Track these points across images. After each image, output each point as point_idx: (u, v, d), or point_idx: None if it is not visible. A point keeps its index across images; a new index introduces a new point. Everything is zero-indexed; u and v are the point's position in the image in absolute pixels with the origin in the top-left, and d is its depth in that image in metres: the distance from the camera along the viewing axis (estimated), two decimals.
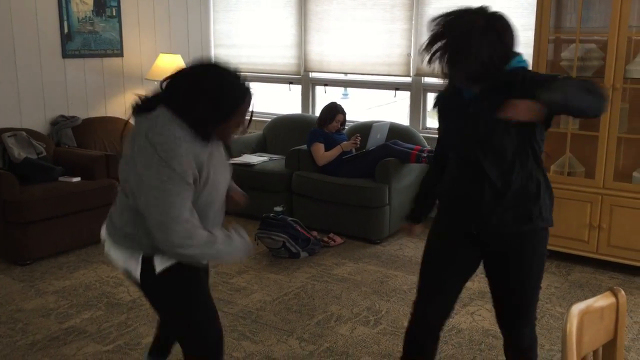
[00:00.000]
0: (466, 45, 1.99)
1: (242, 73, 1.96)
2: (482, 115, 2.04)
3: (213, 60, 2.04)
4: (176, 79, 1.96)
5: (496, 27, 2.03)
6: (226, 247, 2.00)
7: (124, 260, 2.09)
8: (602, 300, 1.53)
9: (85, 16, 5.20)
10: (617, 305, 1.55)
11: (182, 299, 2.10)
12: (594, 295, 1.67)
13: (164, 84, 1.98)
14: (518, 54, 2.07)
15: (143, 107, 2.00)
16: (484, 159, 2.07)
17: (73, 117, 5.08)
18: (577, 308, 1.44)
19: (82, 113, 5.23)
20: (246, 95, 1.94)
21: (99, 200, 4.47)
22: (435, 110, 2.30)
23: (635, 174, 4.04)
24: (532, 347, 2.29)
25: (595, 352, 1.54)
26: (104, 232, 2.20)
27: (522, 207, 2.08)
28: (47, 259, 4.23)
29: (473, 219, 2.15)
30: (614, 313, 1.55)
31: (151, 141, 1.87)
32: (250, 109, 1.99)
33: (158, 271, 2.03)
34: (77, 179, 4.51)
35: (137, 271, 2.04)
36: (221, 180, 2.06)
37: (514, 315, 2.23)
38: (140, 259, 2.03)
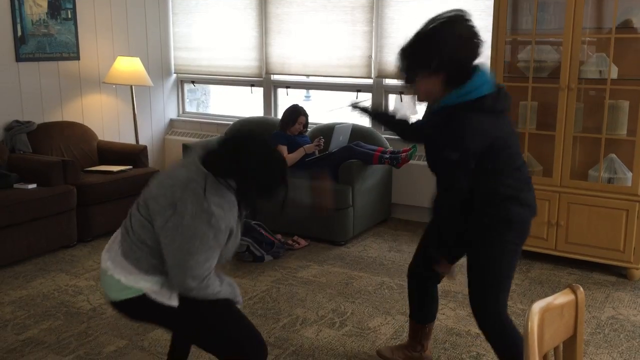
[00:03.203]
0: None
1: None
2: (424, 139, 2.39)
3: (267, 139, 2.25)
4: (242, 155, 2.08)
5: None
6: (224, 291, 2.19)
7: (149, 289, 2.13)
8: (561, 298, 1.55)
9: (40, 19, 5.06)
10: (576, 301, 1.58)
11: (216, 316, 2.19)
12: (553, 291, 1.70)
13: (228, 151, 2.11)
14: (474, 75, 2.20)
15: (211, 166, 2.09)
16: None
17: (28, 122, 4.94)
18: (538, 306, 1.46)
19: (37, 118, 5.09)
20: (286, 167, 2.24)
21: (55, 207, 4.36)
22: None
23: (590, 172, 4.15)
24: (498, 339, 2.38)
25: (556, 349, 1.57)
26: (108, 261, 2.22)
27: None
28: (2, 269, 4.10)
29: None
30: (573, 310, 1.58)
31: (208, 199, 2.00)
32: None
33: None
34: (32, 186, 4.39)
35: (171, 301, 2.13)
36: (236, 241, 2.22)
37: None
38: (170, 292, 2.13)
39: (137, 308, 2.15)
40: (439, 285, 3.49)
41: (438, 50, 2.13)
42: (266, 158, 2.10)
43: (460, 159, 2.17)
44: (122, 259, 2.14)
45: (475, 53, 2.18)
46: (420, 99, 2.28)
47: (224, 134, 1.98)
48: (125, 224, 2.21)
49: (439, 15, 2.19)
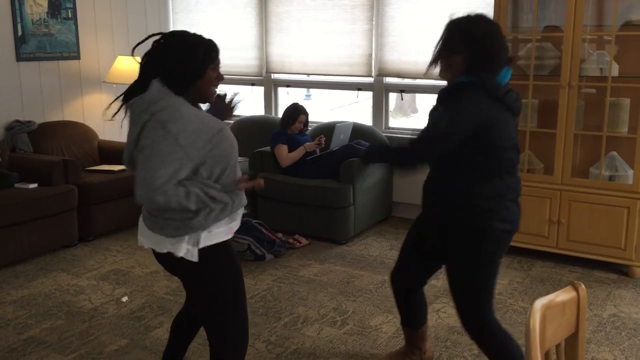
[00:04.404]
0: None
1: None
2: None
3: (177, 29, 2.20)
4: (151, 52, 2.08)
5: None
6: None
7: (153, 242, 2.12)
8: (563, 295, 1.55)
9: (40, 18, 5.06)
10: (578, 299, 1.58)
11: (227, 276, 2.16)
12: (555, 289, 1.70)
13: (142, 60, 2.11)
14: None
15: (135, 90, 2.08)
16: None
17: (29, 121, 4.94)
18: (540, 303, 1.46)
19: (38, 117, 5.09)
20: (214, 48, 2.10)
21: (56, 206, 4.36)
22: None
23: (591, 169, 4.14)
24: (489, 347, 2.40)
25: (557, 346, 1.57)
26: (141, 237, 2.23)
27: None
28: (4, 268, 4.10)
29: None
30: (575, 307, 1.58)
31: (154, 115, 1.96)
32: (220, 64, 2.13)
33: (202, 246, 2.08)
34: (33, 185, 4.39)
35: (191, 251, 2.08)
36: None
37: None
38: (184, 239, 2.06)
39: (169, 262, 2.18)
40: (439, 285, 3.49)
41: (471, 31, 2.28)
42: (184, 46, 2.07)
43: (447, 129, 2.24)
44: (150, 233, 2.15)
45: (501, 46, 2.29)
46: (442, 75, 2.37)
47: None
48: None
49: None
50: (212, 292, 2.17)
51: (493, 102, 2.25)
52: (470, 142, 2.25)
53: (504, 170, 2.33)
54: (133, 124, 2.06)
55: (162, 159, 1.94)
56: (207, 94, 2.12)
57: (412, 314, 2.77)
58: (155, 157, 1.94)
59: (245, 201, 2.17)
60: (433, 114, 2.39)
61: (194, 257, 2.09)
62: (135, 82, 2.11)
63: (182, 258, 2.09)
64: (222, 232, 2.14)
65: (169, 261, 2.16)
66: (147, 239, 2.17)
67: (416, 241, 2.63)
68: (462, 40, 2.26)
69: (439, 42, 2.33)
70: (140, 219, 2.22)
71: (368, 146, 2.63)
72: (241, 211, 2.19)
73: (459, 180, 2.33)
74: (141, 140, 2.00)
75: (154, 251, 2.19)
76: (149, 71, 2.08)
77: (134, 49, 2.19)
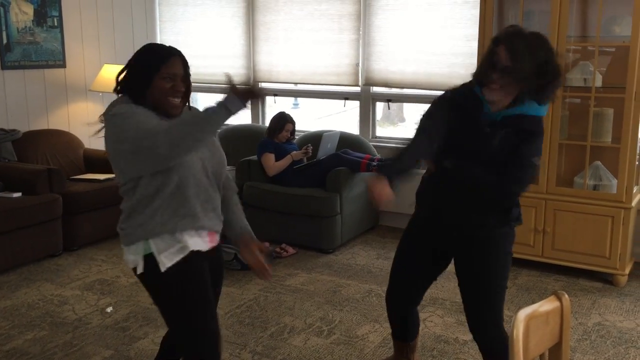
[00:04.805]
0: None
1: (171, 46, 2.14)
2: (495, 141, 2.22)
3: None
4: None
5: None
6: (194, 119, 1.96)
7: (133, 260, 2.08)
8: (547, 305, 1.56)
9: (25, 26, 5.03)
10: (561, 309, 1.59)
11: (179, 296, 2.09)
12: (540, 298, 1.71)
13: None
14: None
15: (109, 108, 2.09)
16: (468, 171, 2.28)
17: (13, 130, 4.90)
18: (524, 313, 1.47)
19: (23, 126, 5.05)
20: (168, 57, 2.05)
21: (41, 215, 4.32)
22: (440, 104, 2.32)
23: (576, 179, 4.18)
24: (498, 350, 2.37)
25: (541, 356, 1.57)
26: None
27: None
28: None
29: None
30: (558, 317, 1.59)
31: (108, 118, 2.00)
32: (182, 73, 2.10)
33: (164, 269, 2.03)
34: (17, 195, 4.34)
35: (141, 267, 2.05)
36: (194, 159, 2.05)
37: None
38: (139, 248, 2.04)
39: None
40: (426, 294, 3.49)
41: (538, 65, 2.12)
42: (148, 46, 2.15)
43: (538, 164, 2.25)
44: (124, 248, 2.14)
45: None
46: (496, 92, 2.16)
47: None
48: None
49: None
50: (167, 305, 2.13)
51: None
52: None
53: None
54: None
55: (137, 126, 1.91)
56: (162, 104, 2.04)
57: (406, 329, 2.73)
58: (134, 132, 1.91)
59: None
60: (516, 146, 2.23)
61: (140, 267, 2.06)
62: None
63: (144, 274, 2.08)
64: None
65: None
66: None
67: (414, 254, 2.54)
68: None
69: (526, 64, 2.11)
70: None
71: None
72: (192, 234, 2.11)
73: (499, 190, 2.27)
74: (110, 144, 2.01)
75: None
76: (117, 84, 2.13)
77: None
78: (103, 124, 2.06)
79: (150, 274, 2.06)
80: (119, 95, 2.10)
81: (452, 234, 2.39)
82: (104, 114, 2.06)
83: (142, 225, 2.03)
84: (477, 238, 2.35)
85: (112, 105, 2.07)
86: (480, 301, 2.40)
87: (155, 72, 2.02)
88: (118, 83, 2.12)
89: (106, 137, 2.03)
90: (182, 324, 2.12)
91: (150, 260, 2.04)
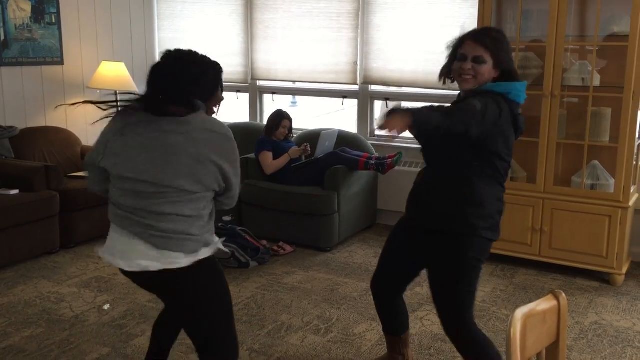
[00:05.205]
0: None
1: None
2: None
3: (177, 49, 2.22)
4: (164, 77, 2.09)
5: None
6: None
7: (165, 261, 2.07)
8: (544, 304, 1.56)
9: (23, 23, 5.02)
10: (558, 308, 1.59)
11: (216, 291, 2.18)
12: (537, 297, 1.71)
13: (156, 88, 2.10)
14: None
15: (160, 110, 2.08)
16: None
17: (10, 127, 4.89)
18: (521, 312, 1.47)
19: (20, 123, 5.04)
20: (221, 70, 2.25)
21: (38, 213, 4.32)
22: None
23: (574, 178, 4.18)
24: (467, 350, 2.41)
25: (539, 355, 1.57)
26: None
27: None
28: None
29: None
30: (555, 316, 1.59)
31: (220, 132, 2.09)
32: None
33: (201, 258, 2.11)
34: (15, 192, 4.33)
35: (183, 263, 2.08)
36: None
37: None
38: (199, 253, 2.10)
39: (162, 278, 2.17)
40: (423, 292, 3.50)
41: (509, 50, 2.39)
42: (204, 59, 2.22)
43: (482, 110, 2.19)
44: (159, 252, 2.10)
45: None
46: (470, 81, 2.33)
47: None
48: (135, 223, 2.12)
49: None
50: (205, 307, 2.16)
51: (510, 115, 2.31)
52: (476, 145, 2.27)
53: (497, 181, 2.37)
54: (160, 138, 2.05)
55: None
56: (211, 112, 2.23)
57: (394, 321, 2.77)
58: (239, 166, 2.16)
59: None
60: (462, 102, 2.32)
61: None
62: (149, 98, 2.11)
63: (179, 275, 2.07)
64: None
65: (160, 280, 2.11)
66: (156, 260, 2.07)
67: (397, 247, 2.64)
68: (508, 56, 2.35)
69: (494, 43, 2.34)
70: (129, 241, 2.10)
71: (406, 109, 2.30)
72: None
73: (454, 187, 2.35)
74: (216, 158, 2.06)
75: (134, 273, 2.13)
76: (162, 91, 2.09)
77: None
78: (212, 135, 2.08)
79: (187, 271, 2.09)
80: (188, 105, 2.09)
81: (417, 229, 2.49)
82: (211, 129, 2.09)
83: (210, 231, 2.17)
84: (442, 240, 2.39)
85: (209, 120, 2.12)
86: (443, 305, 2.43)
87: (219, 83, 2.23)
88: (188, 93, 2.10)
89: (210, 149, 2.05)
90: (222, 321, 2.20)
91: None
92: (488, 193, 2.34)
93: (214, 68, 2.20)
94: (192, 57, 2.16)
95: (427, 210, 2.44)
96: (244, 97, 5.95)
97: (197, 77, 2.11)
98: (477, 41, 2.32)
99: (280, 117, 4.88)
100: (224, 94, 2.31)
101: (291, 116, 4.98)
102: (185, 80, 2.09)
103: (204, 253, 2.13)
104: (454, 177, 2.36)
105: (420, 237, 2.48)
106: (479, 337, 2.40)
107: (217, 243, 2.20)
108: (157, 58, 6.13)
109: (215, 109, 2.25)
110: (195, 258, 2.09)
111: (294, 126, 5.06)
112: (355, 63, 5.31)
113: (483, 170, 2.33)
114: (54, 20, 5.25)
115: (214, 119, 2.17)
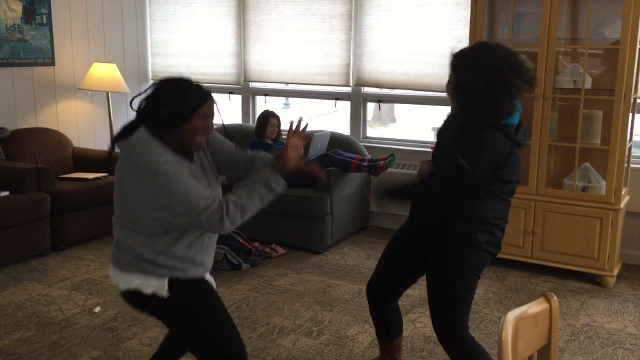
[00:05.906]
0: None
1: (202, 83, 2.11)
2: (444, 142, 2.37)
3: (176, 75, 2.16)
4: (144, 96, 2.07)
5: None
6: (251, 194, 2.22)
7: (140, 284, 2.11)
8: (536, 306, 1.56)
9: (14, 24, 4.99)
10: (550, 310, 1.59)
11: (199, 312, 2.18)
12: (530, 299, 1.71)
13: (133, 103, 2.08)
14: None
15: (123, 133, 2.08)
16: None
17: (1, 128, 4.85)
18: (512, 315, 1.47)
19: (11, 124, 5.01)
20: (204, 99, 2.05)
21: (29, 214, 4.29)
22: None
23: (565, 180, 4.20)
24: (460, 354, 2.39)
25: (530, 358, 1.57)
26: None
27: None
28: None
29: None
30: (547, 318, 1.59)
31: (136, 163, 1.96)
32: (216, 114, 2.12)
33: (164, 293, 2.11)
34: (5, 193, 4.30)
35: (163, 292, 2.11)
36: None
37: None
38: (166, 281, 2.11)
39: (136, 300, 2.19)
40: (415, 294, 3.49)
41: (479, 71, 2.35)
42: (181, 83, 2.07)
43: (470, 172, 2.18)
44: (112, 267, 2.20)
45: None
46: (453, 102, 2.35)
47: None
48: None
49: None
50: (188, 323, 2.16)
51: (507, 141, 2.25)
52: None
53: (501, 199, 2.35)
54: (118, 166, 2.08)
55: (184, 188, 1.94)
56: (189, 143, 2.06)
57: (390, 325, 2.76)
58: (175, 192, 1.93)
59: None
60: (450, 145, 2.31)
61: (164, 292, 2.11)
62: (126, 125, 2.12)
63: (152, 298, 2.11)
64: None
65: (143, 300, 2.15)
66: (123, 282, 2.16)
67: (398, 249, 2.62)
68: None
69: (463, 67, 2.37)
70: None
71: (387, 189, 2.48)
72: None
73: (459, 202, 2.32)
74: (135, 189, 1.99)
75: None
76: (139, 116, 2.07)
77: (130, 102, 2.18)
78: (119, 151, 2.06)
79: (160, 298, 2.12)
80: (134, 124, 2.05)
81: (423, 241, 2.46)
82: (127, 149, 2.00)
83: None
84: (440, 244, 2.38)
85: (136, 141, 2.00)
86: (439, 310, 2.42)
87: (193, 112, 2.02)
88: (142, 114, 2.05)
89: (127, 176, 2.02)
90: (216, 332, 2.23)
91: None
92: (493, 210, 2.33)
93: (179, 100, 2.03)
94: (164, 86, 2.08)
95: (430, 221, 2.42)
96: (237, 99, 5.94)
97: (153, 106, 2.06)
98: (450, 62, 2.35)
99: (267, 117, 4.88)
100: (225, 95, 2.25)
101: (280, 117, 4.97)
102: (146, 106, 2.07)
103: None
104: (458, 196, 2.32)
105: (421, 240, 2.46)
106: (472, 346, 2.39)
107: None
108: (149, 59, 6.12)
109: (197, 139, 2.06)
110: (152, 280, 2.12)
111: (281, 122, 5.04)
112: (348, 65, 5.31)
113: (488, 189, 2.30)
114: (45, 21, 5.22)
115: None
